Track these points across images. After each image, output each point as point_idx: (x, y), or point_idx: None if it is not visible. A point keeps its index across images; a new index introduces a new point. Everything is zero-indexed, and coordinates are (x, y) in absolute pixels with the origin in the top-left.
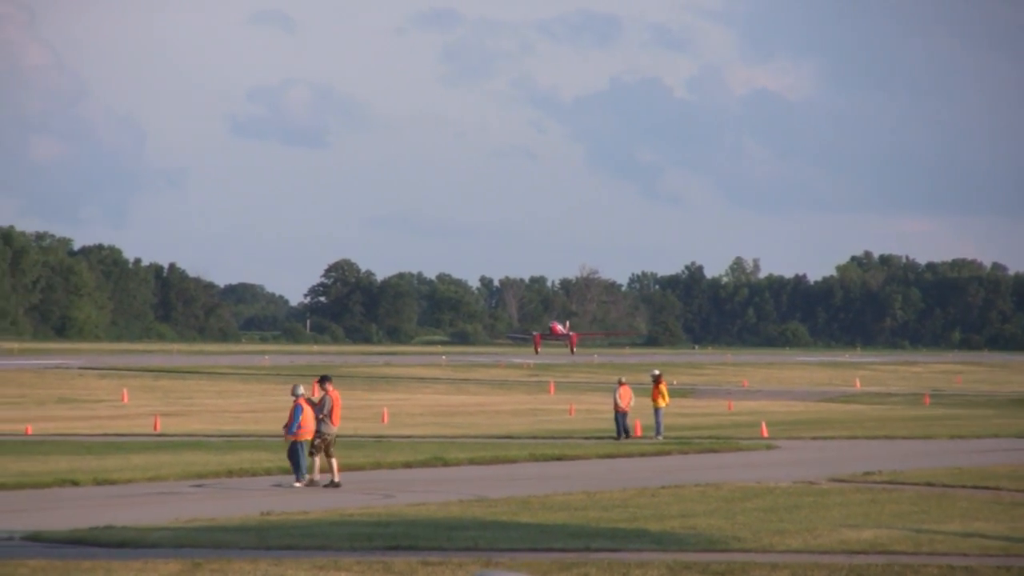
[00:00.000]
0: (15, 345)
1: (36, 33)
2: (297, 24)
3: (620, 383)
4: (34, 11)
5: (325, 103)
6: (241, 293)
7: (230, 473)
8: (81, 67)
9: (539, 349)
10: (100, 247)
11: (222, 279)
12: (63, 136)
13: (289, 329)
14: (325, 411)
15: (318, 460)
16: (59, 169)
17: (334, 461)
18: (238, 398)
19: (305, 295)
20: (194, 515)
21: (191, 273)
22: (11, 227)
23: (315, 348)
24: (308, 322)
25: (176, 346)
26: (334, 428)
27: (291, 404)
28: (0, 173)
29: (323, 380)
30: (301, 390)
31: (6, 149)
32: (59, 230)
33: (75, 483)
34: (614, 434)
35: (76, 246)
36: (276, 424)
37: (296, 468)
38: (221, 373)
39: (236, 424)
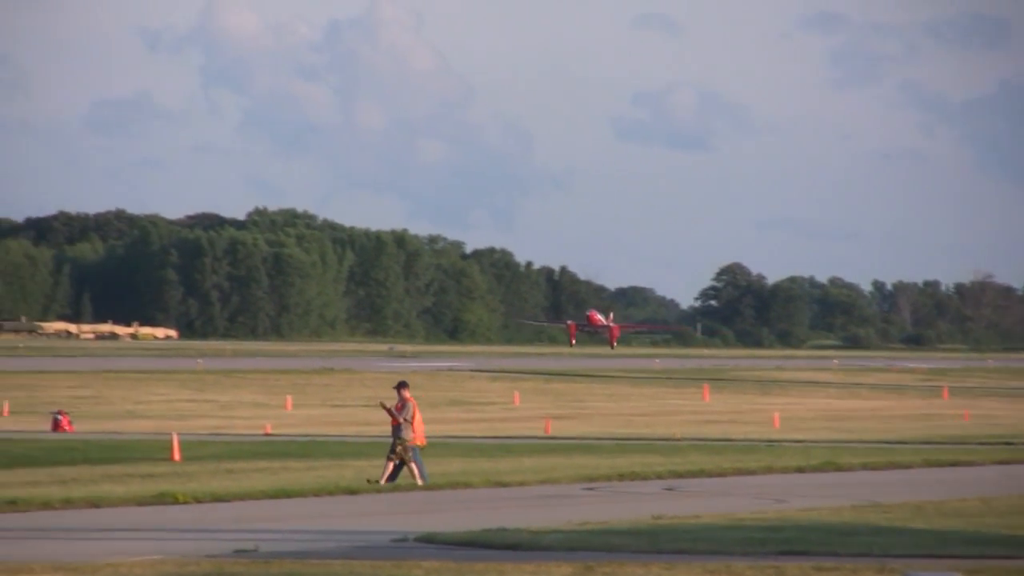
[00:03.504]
0: (408, 347)
1: (424, 38)
2: (681, 28)
3: None
4: (422, 16)
5: (710, 107)
6: (632, 296)
7: (621, 476)
8: (468, 71)
9: (574, 340)
10: (492, 250)
11: (612, 282)
12: (451, 140)
13: (680, 332)
14: (407, 416)
15: (391, 465)
16: (447, 172)
17: (415, 467)
18: (628, 401)
19: (696, 298)
20: (585, 518)
21: (582, 276)
22: (404, 230)
23: (706, 352)
24: (699, 325)
25: (566, 349)
26: (412, 434)
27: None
28: (391, 177)
29: (401, 386)
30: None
31: (397, 153)
32: (448, 233)
33: (468, 485)
34: (1009, 440)
35: (467, 249)
36: (666, 428)
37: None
38: (612, 376)
39: (626, 427)
